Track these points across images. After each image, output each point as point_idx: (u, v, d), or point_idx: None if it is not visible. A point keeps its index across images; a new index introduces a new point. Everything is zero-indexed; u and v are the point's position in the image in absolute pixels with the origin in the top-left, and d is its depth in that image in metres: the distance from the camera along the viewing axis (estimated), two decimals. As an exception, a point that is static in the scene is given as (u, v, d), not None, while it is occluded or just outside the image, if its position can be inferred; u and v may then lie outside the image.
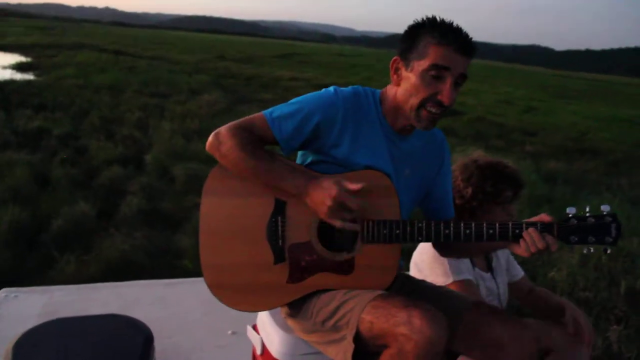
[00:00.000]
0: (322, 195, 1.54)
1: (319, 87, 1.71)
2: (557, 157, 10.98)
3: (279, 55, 38.12)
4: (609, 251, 1.60)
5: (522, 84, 35.17)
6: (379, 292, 1.56)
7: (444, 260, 1.99)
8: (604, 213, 1.59)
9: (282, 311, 1.81)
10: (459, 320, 1.63)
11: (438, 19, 1.59)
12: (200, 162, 6.91)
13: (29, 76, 16.45)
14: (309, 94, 1.68)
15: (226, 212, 1.65)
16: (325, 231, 1.65)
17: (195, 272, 3.54)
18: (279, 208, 1.63)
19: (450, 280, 1.97)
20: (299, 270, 1.64)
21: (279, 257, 1.64)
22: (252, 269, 1.64)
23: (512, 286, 2.28)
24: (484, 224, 1.60)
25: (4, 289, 2.89)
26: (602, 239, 1.58)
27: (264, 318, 1.91)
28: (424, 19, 1.61)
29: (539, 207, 6.59)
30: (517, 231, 1.58)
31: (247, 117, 1.66)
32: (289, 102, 1.67)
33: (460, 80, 1.59)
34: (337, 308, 1.59)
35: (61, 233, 4.60)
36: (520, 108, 20.31)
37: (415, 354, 1.38)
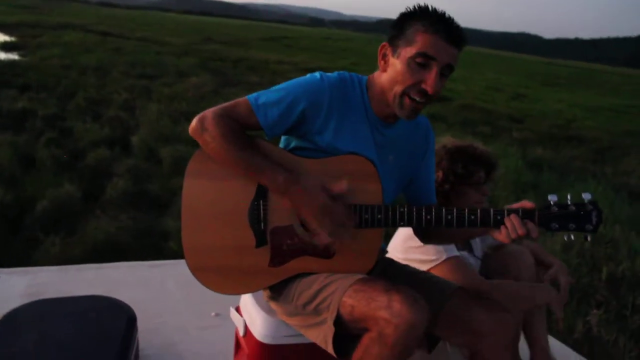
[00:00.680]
0: (308, 199, 1.54)
1: (307, 71, 1.70)
2: (543, 144, 11.08)
3: (267, 38, 37.85)
4: (589, 238, 1.62)
5: (510, 71, 35.28)
6: (360, 276, 1.57)
7: None
8: (585, 201, 1.60)
9: (264, 294, 1.82)
10: (440, 305, 1.65)
11: (430, 8, 1.58)
12: (187, 144, 6.88)
13: (14, 56, 16.22)
14: (294, 80, 1.66)
15: (208, 195, 1.65)
16: None
17: (181, 254, 3.54)
18: (261, 192, 1.63)
19: (443, 257, 1.99)
20: (281, 253, 1.65)
21: (260, 241, 1.64)
22: (234, 252, 1.64)
23: (498, 249, 2.30)
24: (466, 210, 1.61)
25: (-14, 270, 2.87)
26: (582, 226, 1.60)
27: (247, 300, 1.92)
28: (416, 6, 1.59)
29: (525, 194, 6.66)
30: (499, 217, 1.60)
31: (231, 103, 1.64)
32: (274, 88, 1.65)
33: (446, 71, 1.58)
34: (318, 291, 1.60)
35: (46, 215, 4.58)
36: (509, 95, 20.41)
37: (395, 338, 1.40)
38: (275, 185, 1.58)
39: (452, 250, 2.02)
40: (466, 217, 1.61)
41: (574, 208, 1.60)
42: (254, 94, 1.64)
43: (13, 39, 20.63)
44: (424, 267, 1.98)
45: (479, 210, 1.60)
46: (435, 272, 1.95)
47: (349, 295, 1.51)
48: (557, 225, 1.61)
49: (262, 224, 1.64)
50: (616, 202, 6.85)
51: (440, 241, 1.94)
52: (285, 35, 44.91)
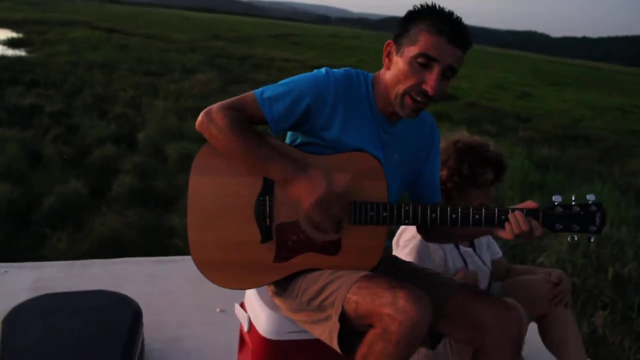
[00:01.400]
0: (310, 189, 1.55)
1: (313, 69, 1.70)
2: (549, 144, 11.03)
3: (273, 36, 37.79)
4: (592, 240, 1.62)
5: (516, 69, 35.14)
6: (365, 272, 1.58)
7: (417, 246, 2.01)
8: (590, 202, 1.60)
9: (268, 290, 1.83)
10: (444, 302, 1.65)
11: (437, 7, 1.57)
12: (193, 141, 6.90)
13: (21, 52, 16.26)
14: (300, 75, 1.67)
15: (214, 190, 1.66)
16: None
17: (187, 251, 3.56)
18: (267, 187, 1.64)
19: (410, 260, 2.01)
20: (286, 249, 1.66)
21: (266, 236, 1.65)
22: (240, 247, 1.65)
23: (493, 264, 2.32)
24: (471, 209, 1.61)
25: (-7, 265, 2.89)
26: (586, 227, 1.60)
27: (251, 296, 1.93)
28: (423, 5, 1.59)
29: (531, 194, 6.64)
30: (503, 217, 1.60)
31: (237, 97, 1.65)
32: (280, 82, 1.66)
33: (449, 73, 1.57)
34: (323, 288, 1.60)
35: (53, 211, 4.61)
36: (515, 94, 20.31)
37: (399, 334, 1.40)
38: (282, 174, 1.58)
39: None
40: (471, 216, 1.61)
41: (578, 209, 1.60)
42: (260, 89, 1.65)
43: (20, 35, 20.69)
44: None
45: (483, 210, 1.61)
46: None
47: (353, 292, 1.51)
48: (561, 226, 1.61)
49: (268, 220, 1.65)
50: (622, 202, 6.81)
51: (444, 240, 1.94)
52: (292, 32, 44.87)
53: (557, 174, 8.31)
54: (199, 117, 1.62)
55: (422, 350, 2.13)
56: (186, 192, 1.67)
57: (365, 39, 48.94)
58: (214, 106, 1.61)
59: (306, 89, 1.62)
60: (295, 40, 36.23)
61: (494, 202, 2.15)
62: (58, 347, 1.88)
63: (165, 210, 4.99)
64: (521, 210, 1.60)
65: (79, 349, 1.89)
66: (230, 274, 1.68)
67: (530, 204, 1.64)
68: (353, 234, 1.65)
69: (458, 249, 2.14)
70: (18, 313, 2.02)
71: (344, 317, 1.53)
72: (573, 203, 1.61)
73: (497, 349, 1.60)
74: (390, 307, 1.42)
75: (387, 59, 1.65)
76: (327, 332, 1.58)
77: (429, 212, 1.62)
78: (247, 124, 1.62)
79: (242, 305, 2.02)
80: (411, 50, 1.56)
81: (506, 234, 1.60)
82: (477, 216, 1.61)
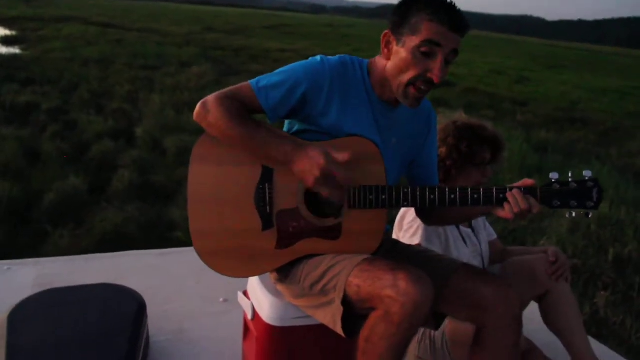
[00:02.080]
0: (309, 163, 1.54)
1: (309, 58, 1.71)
2: (547, 127, 11.04)
3: (268, 27, 37.64)
4: (590, 215, 1.63)
5: (513, 54, 35.05)
6: (366, 256, 1.59)
7: (423, 224, 2.03)
8: (586, 178, 1.62)
9: (271, 277, 1.84)
10: (445, 283, 1.66)
11: None
12: (191, 134, 6.89)
13: (15, 50, 16.21)
14: (295, 63, 1.67)
15: (214, 179, 1.66)
16: (312, 197, 1.67)
17: (188, 244, 3.56)
18: (267, 175, 1.65)
19: (416, 241, 2.03)
20: (287, 236, 1.66)
21: (267, 224, 1.66)
22: (241, 235, 1.66)
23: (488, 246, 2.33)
24: (469, 189, 1.62)
25: (-5, 262, 2.90)
26: (583, 203, 1.62)
27: (254, 284, 1.94)
28: None
29: (530, 176, 6.58)
30: (501, 196, 1.61)
31: (233, 87, 1.65)
32: (276, 71, 1.66)
33: (450, 57, 1.58)
34: (325, 272, 1.61)
35: (53, 208, 4.62)
36: (512, 78, 20.29)
37: (401, 316, 1.41)
38: (282, 154, 1.59)
39: (430, 242, 2.05)
40: (469, 196, 1.62)
41: (575, 185, 1.62)
42: (256, 78, 1.65)
43: (14, 32, 20.60)
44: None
45: (481, 189, 1.62)
46: None
47: (355, 275, 1.52)
48: (558, 203, 1.62)
49: (268, 207, 1.66)
50: (621, 183, 6.83)
51: (444, 222, 1.96)
52: (287, 23, 44.72)
53: (556, 156, 8.33)
54: (196, 108, 1.62)
55: (423, 345, 2.16)
56: (186, 185, 1.67)
57: (360, 27, 48.77)
58: (211, 96, 1.62)
59: (302, 76, 1.62)
60: (290, 31, 36.11)
61: (491, 183, 2.17)
62: (63, 342, 1.89)
63: (165, 204, 5.00)
64: (519, 188, 1.61)
65: (84, 343, 1.90)
66: (232, 262, 1.68)
67: (527, 181, 1.65)
68: (353, 218, 1.66)
69: (459, 229, 2.16)
70: (23, 309, 2.03)
71: (346, 301, 1.54)
72: (570, 180, 1.62)
73: (498, 327, 1.61)
74: (392, 289, 1.42)
75: (386, 49, 1.64)
76: (331, 317, 1.59)
77: (427, 193, 1.63)
78: (244, 111, 1.62)
79: (245, 294, 2.03)
80: (413, 40, 1.56)
81: (505, 212, 1.61)
82: (475, 196, 1.62)
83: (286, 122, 1.78)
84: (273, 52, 20.77)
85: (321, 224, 1.66)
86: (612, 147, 10.01)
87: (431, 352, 2.14)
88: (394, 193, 1.63)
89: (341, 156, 1.55)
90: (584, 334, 2.09)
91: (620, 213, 5.42)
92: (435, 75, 1.56)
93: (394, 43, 1.61)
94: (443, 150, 2.09)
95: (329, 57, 1.68)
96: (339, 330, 1.57)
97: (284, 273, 1.74)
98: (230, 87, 1.65)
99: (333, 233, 1.66)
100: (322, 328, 1.64)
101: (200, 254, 1.68)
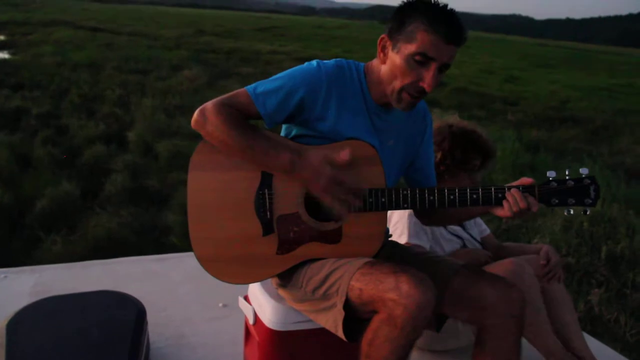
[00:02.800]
0: (314, 173, 1.55)
1: (300, 60, 1.72)
2: (538, 126, 11.10)
3: (258, 29, 37.58)
4: (588, 212, 1.66)
5: (503, 53, 35.16)
6: (367, 259, 1.59)
7: (408, 222, 2.04)
8: (583, 176, 1.64)
9: (272, 281, 1.84)
10: (446, 283, 1.67)
11: (432, 0, 1.56)
12: (184, 137, 6.89)
13: (4, 55, 16.09)
14: (292, 69, 1.67)
15: (214, 186, 1.66)
16: (312, 202, 1.67)
17: (182, 248, 3.56)
18: (266, 181, 1.65)
19: (404, 240, 2.04)
20: (288, 241, 1.67)
21: (267, 229, 1.66)
22: (242, 241, 1.66)
23: (482, 241, 2.35)
24: (468, 190, 1.63)
25: (-8, 270, 2.88)
26: (581, 200, 1.64)
27: (255, 288, 1.94)
28: None
29: (522, 175, 6.64)
30: (500, 195, 1.63)
31: (230, 93, 1.66)
32: (272, 77, 1.67)
33: (444, 68, 1.59)
34: (327, 276, 1.62)
35: (46, 213, 4.58)
36: (502, 77, 20.35)
37: (404, 318, 1.42)
38: (281, 165, 1.59)
39: (418, 238, 2.08)
40: (468, 196, 1.63)
41: (572, 183, 1.64)
42: (252, 85, 1.66)
43: (3, 37, 20.46)
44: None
45: (480, 189, 1.63)
46: None
47: (356, 279, 1.53)
48: (557, 201, 1.64)
49: (268, 213, 1.66)
50: (613, 181, 6.87)
51: (443, 222, 1.97)
52: (277, 24, 44.64)
53: (547, 155, 8.37)
54: (194, 116, 1.62)
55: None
56: (179, 189, 1.67)
57: (350, 28, 48.76)
58: (208, 104, 1.62)
59: (298, 82, 1.63)
60: (281, 33, 36.05)
61: (488, 182, 2.20)
62: (63, 350, 1.88)
63: (159, 209, 4.98)
64: (517, 187, 1.63)
65: (85, 351, 1.89)
66: (234, 269, 1.68)
67: (525, 180, 1.66)
68: (353, 221, 1.66)
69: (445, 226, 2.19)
70: (21, 317, 2.01)
71: (348, 305, 1.55)
72: (567, 178, 1.64)
73: (500, 328, 1.62)
74: (394, 292, 1.43)
75: (382, 54, 1.65)
76: (332, 321, 1.59)
77: (427, 194, 1.64)
78: (242, 119, 1.62)
79: (245, 298, 2.03)
80: (408, 48, 1.56)
81: (504, 212, 1.62)
82: (474, 196, 1.63)
83: (284, 126, 1.78)
84: (264, 54, 20.72)
85: (321, 228, 1.67)
86: (603, 145, 10.08)
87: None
88: (394, 195, 1.64)
89: (341, 159, 1.56)
90: (580, 331, 2.11)
91: (612, 210, 5.46)
92: (427, 84, 1.57)
93: (390, 48, 1.61)
94: (438, 154, 2.13)
95: (325, 61, 1.68)
96: (340, 334, 1.57)
97: (286, 278, 1.74)
98: (227, 94, 1.65)
99: (333, 237, 1.67)
100: (324, 332, 1.65)
101: (201, 261, 1.67)
